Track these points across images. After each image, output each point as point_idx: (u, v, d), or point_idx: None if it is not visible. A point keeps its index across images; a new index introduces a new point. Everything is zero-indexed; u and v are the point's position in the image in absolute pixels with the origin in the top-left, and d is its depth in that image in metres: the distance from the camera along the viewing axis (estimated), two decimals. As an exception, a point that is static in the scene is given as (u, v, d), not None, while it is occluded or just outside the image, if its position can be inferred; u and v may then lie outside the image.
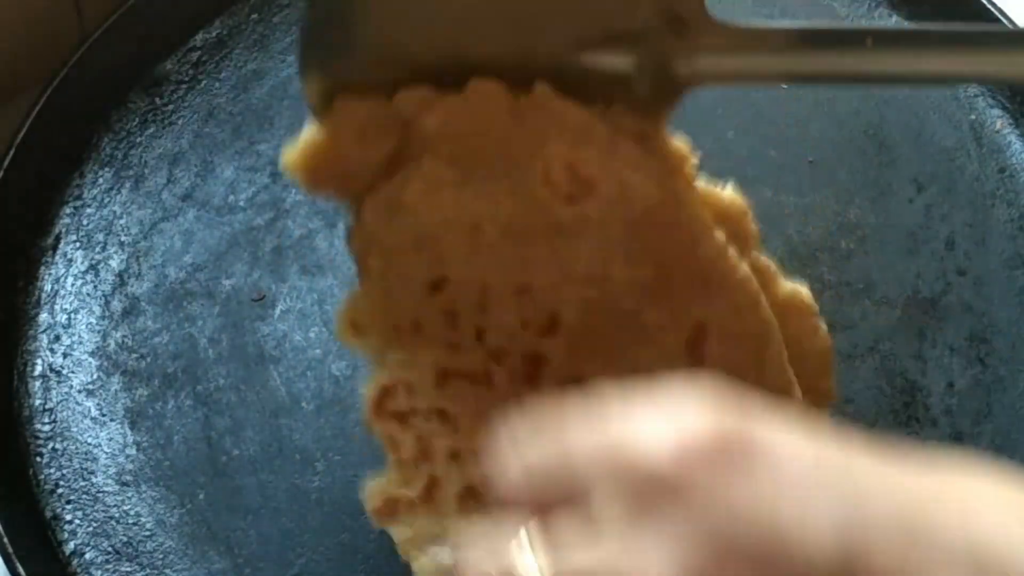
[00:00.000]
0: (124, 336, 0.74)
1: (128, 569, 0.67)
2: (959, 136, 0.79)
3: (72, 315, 0.74)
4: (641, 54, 0.55)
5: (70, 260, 0.76)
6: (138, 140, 0.80)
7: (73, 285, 0.75)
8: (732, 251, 0.57)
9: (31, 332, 0.73)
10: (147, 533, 0.68)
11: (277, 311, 0.75)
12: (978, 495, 0.42)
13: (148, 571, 0.67)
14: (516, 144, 0.54)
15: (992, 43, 0.52)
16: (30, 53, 0.81)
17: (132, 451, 0.71)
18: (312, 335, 0.74)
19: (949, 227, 0.77)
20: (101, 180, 0.79)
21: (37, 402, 0.72)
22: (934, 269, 0.76)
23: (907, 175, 0.78)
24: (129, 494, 0.69)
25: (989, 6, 0.80)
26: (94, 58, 0.79)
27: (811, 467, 0.42)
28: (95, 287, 0.75)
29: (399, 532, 0.58)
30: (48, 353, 0.73)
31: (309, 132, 0.55)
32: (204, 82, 0.82)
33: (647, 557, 0.41)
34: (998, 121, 0.79)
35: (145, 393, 0.72)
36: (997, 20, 0.79)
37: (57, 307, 0.74)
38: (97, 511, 0.69)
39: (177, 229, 0.77)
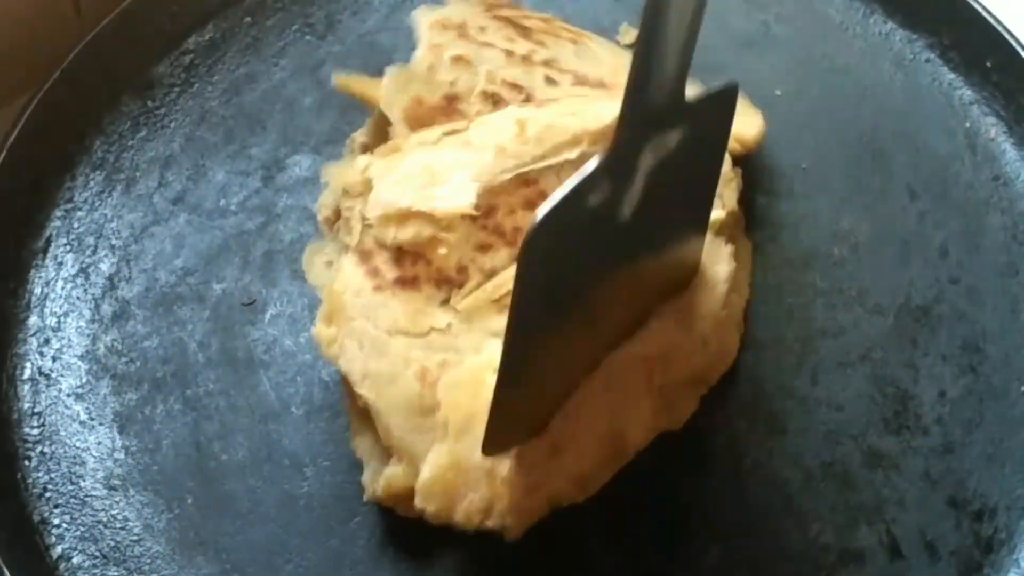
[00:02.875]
0: (114, 340, 0.74)
1: (115, 574, 0.67)
2: (953, 144, 0.79)
3: (62, 318, 0.74)
4: None
5: (60, 263, 0.76)
6: (130, 143, 0.80)
7: (63, 288, 0.75)
8: None
9: (20, 335, 0.73)
10: (135, 538, 0.68)
11: (267, 316, 0.74)
12: None
13: (135, 576, 0.67)
14: None
15: None
16: (30, 55, 0.81)
17: (121, 455, 0.70)
18: (302, 340, 0.73)
19: (942, 235, 0.76)
20: (92, 183, 0.78)
21: (26, 405, 0.71)
22: (927, 277, 0.75)
23: (901, 182, 0.78)
24: (117, 498, 0.69)
25: (984, 13, 0.80)
26: (86, 61, 0.79)
27: None
28: (85, 290, 0.75)
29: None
30: (37, 356, 0.73)
31: None
32: (196, 85, 0.82)
33: None
34: (992, 129, 0.79)
35: (134, 397, 0.72)
36: (992, 28, 0.79)
37: (47, 310, 0.74)
38: (85, 515, 0.69)
39: (168, 233, 0.77)
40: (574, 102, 0.72)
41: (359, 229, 0.68)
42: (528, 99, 0.75)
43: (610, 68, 0.78)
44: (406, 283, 0.66)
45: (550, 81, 0.76)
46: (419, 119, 0.75)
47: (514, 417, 0.63)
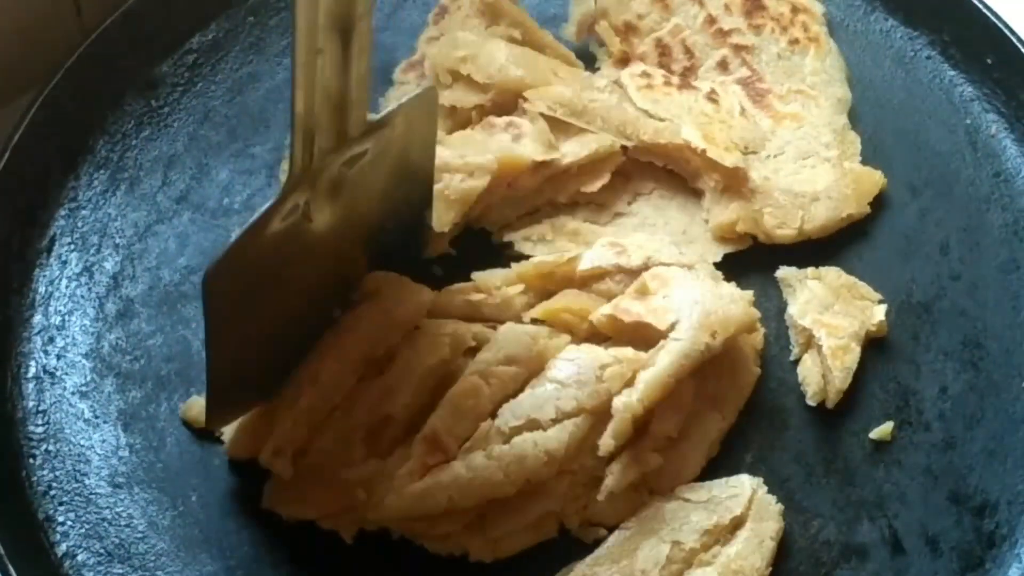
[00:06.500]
0: (118, 338, 0.74)
1: (120, 571, 0.67)
2: (954, 141, 0.79)
3: (66, 317, 0.74)
4: None
5: (64, 262, 0.76)
6: (133, 142, 0.80)
7: (67, 287, 0.75)
8: None
9: (25, 334, 0.73)
10: (139, 535, 0.68)
11: (271, 314, 0.75)
12: None
13: (140, 573, 0.67)
14: None
15: None
16: (32, 54, 0.81)
17: (125, 453, 0.71)
18: (305, 338, 0.74)
19: (944, 231, 0.77)
20: (96, 182, 0.79)
21: (30, 404, 0.72)
22: (928, 273, 0.75)
23: (902, 179, 0.78)
24: (122, 496, 0.69)
25: (984, 9, 0.80)
26: (90, 60, 0.79)
27: None
28: (89, 289, 0.75)
29: None
30: (42, 355, 0.73)
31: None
32: (200, 85, 0.82)
33: None
34: (993, 126, 0.79)
35: (138, 395, 0.72)
36: (993, 24, 0.79)
37: (51, 309, 0.74)
38: (90, 513, 0.69)
39: (172, 232, 0.77)
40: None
41: None
42: (686, 72, 0.75)
43: (796, 88, 0.78)
44: None
45: (721, 67, 0.77)
46: (592, 31, 0.78)
47: (232, 395, 0.67)
